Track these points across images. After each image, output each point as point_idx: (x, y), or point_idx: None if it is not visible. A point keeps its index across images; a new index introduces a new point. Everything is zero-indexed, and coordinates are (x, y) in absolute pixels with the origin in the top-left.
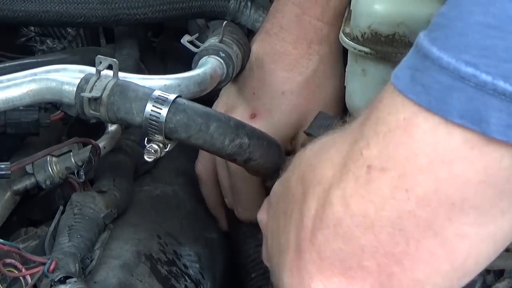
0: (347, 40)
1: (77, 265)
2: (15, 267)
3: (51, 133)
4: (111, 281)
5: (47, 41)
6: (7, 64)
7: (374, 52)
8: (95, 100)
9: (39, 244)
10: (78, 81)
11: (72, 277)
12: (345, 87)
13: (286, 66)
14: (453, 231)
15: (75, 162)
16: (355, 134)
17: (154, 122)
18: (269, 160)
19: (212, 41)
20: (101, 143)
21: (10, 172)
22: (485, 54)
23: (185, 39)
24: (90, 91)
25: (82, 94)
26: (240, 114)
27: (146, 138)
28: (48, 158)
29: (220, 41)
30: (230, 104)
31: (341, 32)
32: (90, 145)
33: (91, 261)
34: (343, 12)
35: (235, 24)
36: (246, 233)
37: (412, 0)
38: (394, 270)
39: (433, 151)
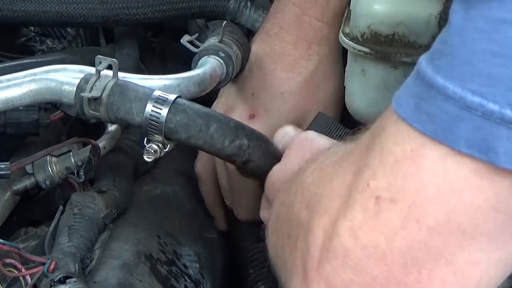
0: (347, 40)
1: (77, 265)
2: (15, 267)
3: (51, 133)
4: (111, 281)
5: (47, 41)
6: (7, 64)
7: (374, 52)
8: (95, 100)
9: (39, 244)
10: (77, 81)
11: (72, 277)
12: (344, 87)
13: (286, 66)
14: (464, 258)
15: (75, 162)
16: (359, 164)
17: (154, 122)
18: (267, 162)
19: (212, 41)
20: (101, 143)
21: (10, 172)
22: (492, 82)
23: (184, 39)
24: (90, 91)
25: (82, 94)
26: (239, 115)
27: (145, 138)
28: (48, 158)
29: (220, 41)
30: (229, 105)
31: (340, 32)
32: (90, 145)
33: (91, 261)
34: (343, 13)
35: (234, 24)
36: (245, 231)
37: (411, 0)
38: None
39: (442, 181)
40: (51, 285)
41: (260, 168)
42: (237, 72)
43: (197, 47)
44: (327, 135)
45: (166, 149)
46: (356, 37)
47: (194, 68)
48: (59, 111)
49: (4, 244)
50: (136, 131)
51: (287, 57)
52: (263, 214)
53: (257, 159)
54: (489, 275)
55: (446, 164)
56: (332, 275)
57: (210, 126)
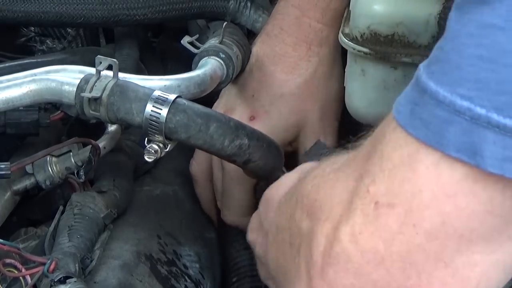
0: (347, 41)
1: (77, 265)
2: (15, 267)
3: (51, 133)
4: (111, 281)
5: (47, 41)
6: (7, 64)
7: (374, 52)
8: (95, 100)
9: (39, 244)
10: (78, 81)
11: (72, 277)
12: (344, 88)
13: (286, 68)
14: (463, 261)
15: (75, 162)
16: (360, 170)
17: (154, 122)
18: (269, 162)
19: (212, 42)
20: (101, 143)
21: (10, 172)
22: (479, 87)
23: (185, 40)
24: (90, 91)
25: (82, 94)
26: (239, 116)
27: (146, 138)
28: (48, 158)
29: (220, 42)
30: (229, 106)
31: (340, 32)
32: (90, 145)
33: (91, 261)
34: (343, 14)
35: (235, 24)
36: (232, 236)
37: (411, 1)
38: None
39: (437, 186)
40: (51, 285)
41: (261, 168)
42: (238, 73)
43: (197, 48)
44: None
45: (167, 149)
46: (356, 37)
47: (195, 69)
48: (59, 111)
49: (4, 244)
50: (136, 131)
51: (287, 58)
52: (251, 236)
53: (258, 159)
54: (488, 277)
55: (439, 169)
56: (334, 280)
57: (209, 126)
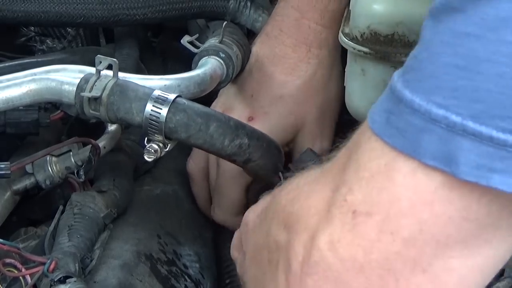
0: (347, 40)
1: (77, 265)
2: (15, 267)
3: (50, 133)
4: (111, 281)
5: (47, 41)
6: (7, 64)
7: (373, 52)
8: (95, 100)
9: (39, 244)
10: (78, 81)
11: (72, 277)
12: (343, 91)
13: (285, 69)
14: (440, 266)
15: (75, 161)
16: (336, 181)
17: (154, 122)
18: (269, 161)
19: (212, 41)
20: (101, 143)
21: (10, 171)
22: (455, 95)
23: (185, 40)
24: (90, 91)
25: (82, 93)
26: (238, 116)
27: (146, 138)
28: (48, 158)
29: (220, 42)
30: (227, 105)
31: (340, 32)
32: (90, 145)
33: (91, 261)
34: (342, 15)
35: (234, 24)
36: (226, 237)
37: (411, 0)
38: None
39: (414, 194)
40: (51, 285)
41: (261, 167)
42: (237, 73)
43: (197, 47)
44: None
45: (167, 149)
46: (356, 37)
47: (194, 68)
48: (59, 111)
49: (4, 244)
50: (136, 131)
51: (287, 60)
52: (233, 253)
53: (258, 159)
54: (466, 282)
55: (416, 177)
56: None
57: (209, 125)
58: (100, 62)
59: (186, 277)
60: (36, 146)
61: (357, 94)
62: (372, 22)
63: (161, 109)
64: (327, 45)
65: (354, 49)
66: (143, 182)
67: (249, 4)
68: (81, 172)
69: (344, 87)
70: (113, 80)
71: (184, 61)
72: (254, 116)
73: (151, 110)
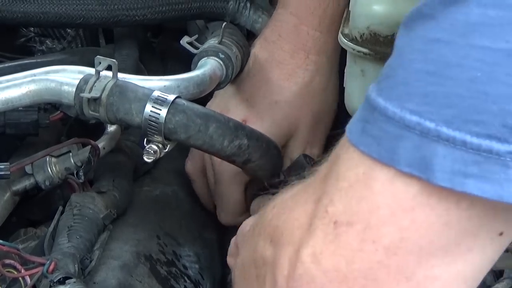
0: (346, 41)
1: (76, 265)
2: (15, 268)
3: (50, 133)
4: (111, 282)
5: (47, 41)
6: (6, 65)
7: (373, 53)
8: (95, 101)
9: (38, 244)
10: (77, 81)
11: (71, 278)
12: (339, 97)
13: (283, 75)
14: (423, 274)
15: (74, 162)
16: (318, 193)
17: (153, 123)
18: (268, 162)
19: (212, 42)
20: (101, 143)
21: (9, 172)
22: (428, 101)
23: (184, 40)
24: (90, 92)
25: (82, 94)
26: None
27: (145, 139)
28: (47, 159)
29: (220, 43)
30: (223, 107)
31: (340, 33)
32: (90, 146)
33: (91, 261)
34: (340, 20)
35: (234, 25)
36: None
37: (410, 1)
38: None
39: (393, 202)
40: (50, 286)
41: (260, 168)
42: (237, 74)
43: (196, 48)
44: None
45: (166, 150)
46: (355, 37)
47: (194, 69)
48: (59, 112)
49: (4, 245)
50: (135, 132)
51: (285, 65)
52: (229, 260)
53: (257, 159)
54: None
55: (394, 185)
56: None
57: (209, 126)
58: (100, 63)
59: (185, 278)
60: (36, 147)
61: (356, 95)
62: (372, 22)
63: (160, 110)
64: (325, 51)
65: (354, 49)
66: (143, 183)
67: (248, 5)
68: (81, 173)
69: (340, 97)
70: (112, 81)
71: (183, 61)
72: (247, 120)
73: (151, 111)
